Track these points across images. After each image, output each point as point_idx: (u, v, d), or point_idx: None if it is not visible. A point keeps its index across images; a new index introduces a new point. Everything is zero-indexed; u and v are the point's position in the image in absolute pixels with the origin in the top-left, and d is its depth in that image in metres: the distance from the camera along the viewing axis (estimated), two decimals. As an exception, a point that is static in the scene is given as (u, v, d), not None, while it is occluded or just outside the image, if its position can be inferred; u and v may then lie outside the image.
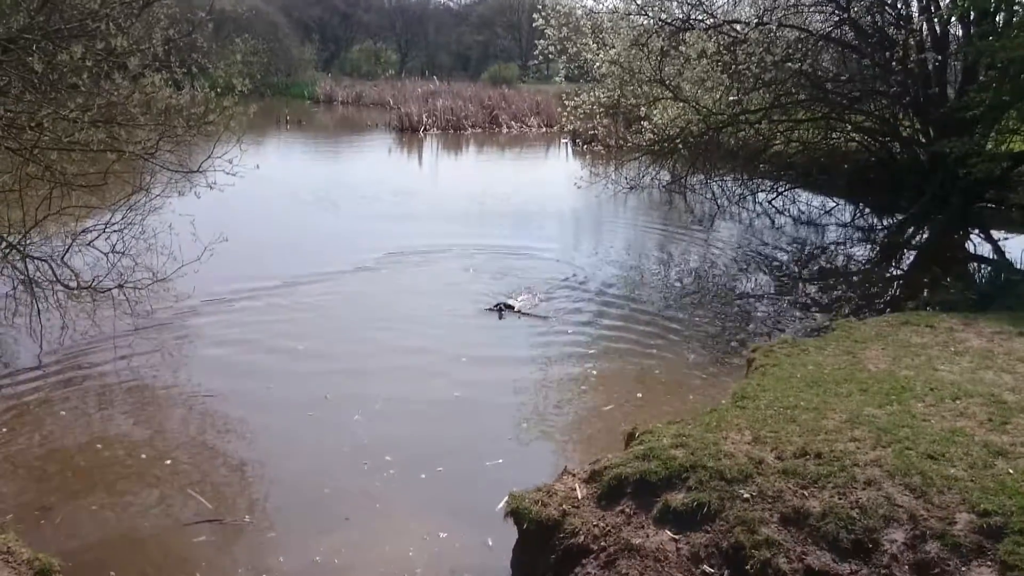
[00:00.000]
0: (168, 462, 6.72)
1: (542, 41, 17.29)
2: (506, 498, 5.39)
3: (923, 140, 16.22)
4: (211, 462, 6.84)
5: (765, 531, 4.63)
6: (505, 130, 35.80)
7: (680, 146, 16.50)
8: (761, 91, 15.74)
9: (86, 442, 6.99)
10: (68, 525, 5.81)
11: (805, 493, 4.86)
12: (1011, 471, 4.81)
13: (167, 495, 6.25)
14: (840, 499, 4.74)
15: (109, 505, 6.07)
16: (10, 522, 5.17)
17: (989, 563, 4.22)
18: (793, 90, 15.82)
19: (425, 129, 33.71)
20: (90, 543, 5.61)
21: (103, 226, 9.76)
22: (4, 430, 7.08)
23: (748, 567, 4.51)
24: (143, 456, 6.78)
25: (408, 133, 33.06)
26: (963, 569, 4.22)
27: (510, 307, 10.66)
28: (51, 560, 4.77)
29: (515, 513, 5.24)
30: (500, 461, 6.87)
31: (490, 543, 5.67)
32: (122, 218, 9.87)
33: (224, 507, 6.07)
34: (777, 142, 17.73)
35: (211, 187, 9.81)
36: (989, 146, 14.45)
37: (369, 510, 6.10)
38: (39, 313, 8.95)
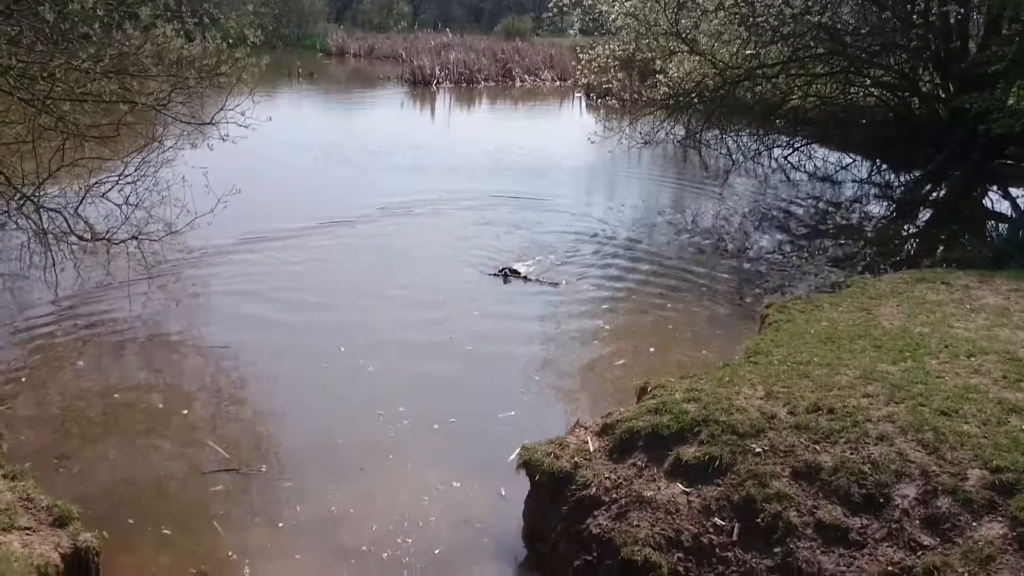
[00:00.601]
0: (185, 412, 6.79)
1: (557, -7, 17.05)
2: (518, 450, 5.44)
3: (943, 95, 15.99)
4: (227, 412, 6.91)
5: (776, 485, 4.66)
6: (518, 84, 35.46)
7: (695, 100, 16.30)
8: (779, 44, 15.50)
9: (103, 392, 7.07)
10: (86, 473, 5.89)
11: (817, 448, 4.87)
12: (1024, 428, 4.81)
13: (184, 444, 6.32)
14: (852, 454, 4.76)
15: (127, 454, 6.15)
16: (29, 470, 5.22)
17: (1000, 519, 4.23)
18: (811, 44, 15.57)
19: (438, 82, 33.41)
20: (108, 491, 5.70)
21: (116, 178, 9.76)
22: (23, 380, 7.16)
23: (759, 520, 4.55)
24: (160, 406, 6.85)
25: (420, 86, 32.78)
26: (974, 524, 4.25)
27: (516, 272, 10.26)
28: (70, 507, 4.83)
29: (527, 465, 5.29)
30: (512, 413, 6.91)
31: (503, 493, 5.73)
32: (135, 170, 9.87)
33: (240, 457, 6.14)
34: (794, 97, 17.49)
35: (224, 139, 9.78)
36: (1010, 101, 14.22)
37: (383, 460, 6.16)
38: (54, 264, 8.99)
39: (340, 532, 5.36)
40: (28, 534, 4.58)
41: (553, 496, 5.16)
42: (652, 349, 8.28)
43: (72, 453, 6.10)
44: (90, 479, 5.81)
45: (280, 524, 5.41)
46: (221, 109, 9.72)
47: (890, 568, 4.15)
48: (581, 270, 10.58)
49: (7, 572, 4.05)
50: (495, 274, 10.28)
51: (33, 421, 6.53)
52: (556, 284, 10.02)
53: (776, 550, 4.41)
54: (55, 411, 6.72)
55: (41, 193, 8.99)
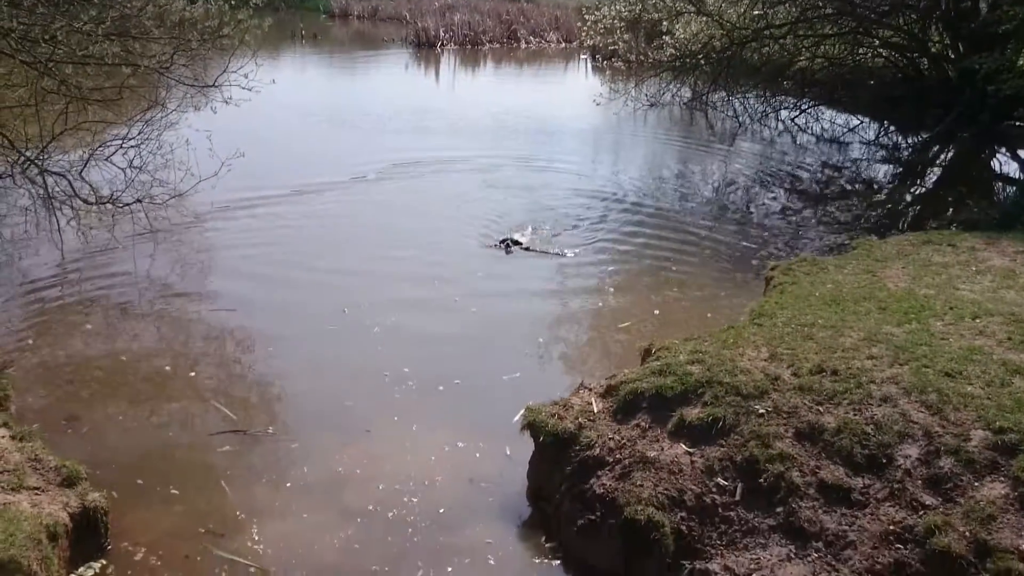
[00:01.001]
0: (192, 374, 6.83)
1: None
2: (523, 411, 5.47)
3: (952, 56, 15.81)
4: (233, 375, 6.95)
5: (779, 445, 4.69)
6: (523, 45, 35.07)
7: (702, 62, 16.14)
8: (787, 5, 15.30)
9: (110, 354, 7.10)
10: (95, 434, 5.94)
11: (820, 409, 4.89)
12: (1028, 389, 4.81)
13: (191, 406, 6.37)
14: (855, 415, 4.78)
15: (135, 415, 6.20)
16: (37, 431, 5.27)
17: (1003, 479, 4.26)
18: (820, 4, 15.37)
19: (442, 44, 33.09)
20: (117, 452, 5.75)
21: (120, 141, 9.74)
22: (30, 342, 7.19)
23: (762, 480, 4.58)
24: (167, 368, 6.89)
25: (424, 48, 32.44)
26: (976, 484, 4.27)
27: (518, 243, 9.85)
28: (78, 467, 4.89)
29: (532, 426, 5.32)
30: (517, 375, 6.94)
31: (508, 452, 5.76)
32: (139, 133, 9.85)
33: (247, 419, 6.18)
34: (802, 58, 17.29)
35: (227, 102, 9.75)
36: (1020, 62, 14.05)
37: (389, 421, 6.19)
38: (59, 228, 9.00)
39: (346, 492, 5.40)
40: (37, 494, 4.63)
41: (557, 456, 5.20)
42: (657, 311, 8.29)
43: (80, 414, 6.14)
44: (98, 440, 5.86)
45: (287, 484, 5.46)
46: (224, 71, 9.69)
47: (892, 527, 4.18)
48: (585, 235, 10.55)
49: (16, 532, 4.10)
50: (496, 245, 9.91)
51: (40, 383, 6.58)
52: (560, 255, 9.71)
53: (779, 510, 4.45)
54: (62, 373, 6.76)
55: (45, 156, 8.98)
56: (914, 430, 4.60)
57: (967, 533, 4.02)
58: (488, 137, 16.41)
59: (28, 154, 8.87)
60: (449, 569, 4.74)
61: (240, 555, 4.77)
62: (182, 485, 5.38)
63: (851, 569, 4.09)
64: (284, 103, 17.41)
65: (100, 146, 9.65)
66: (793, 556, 4.26)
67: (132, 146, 9.75)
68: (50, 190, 9.05)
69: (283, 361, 7.11)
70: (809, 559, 4.22)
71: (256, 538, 4.92)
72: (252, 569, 4.68)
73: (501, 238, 10.03)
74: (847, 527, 4.28)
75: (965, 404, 4.71)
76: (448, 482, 5.52)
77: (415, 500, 5.31)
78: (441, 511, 5.22)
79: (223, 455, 5.76)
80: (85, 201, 9.30)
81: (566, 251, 9.85)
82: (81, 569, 4.56)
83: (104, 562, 4.66)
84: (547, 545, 4.97)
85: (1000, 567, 3.84)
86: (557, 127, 17.94)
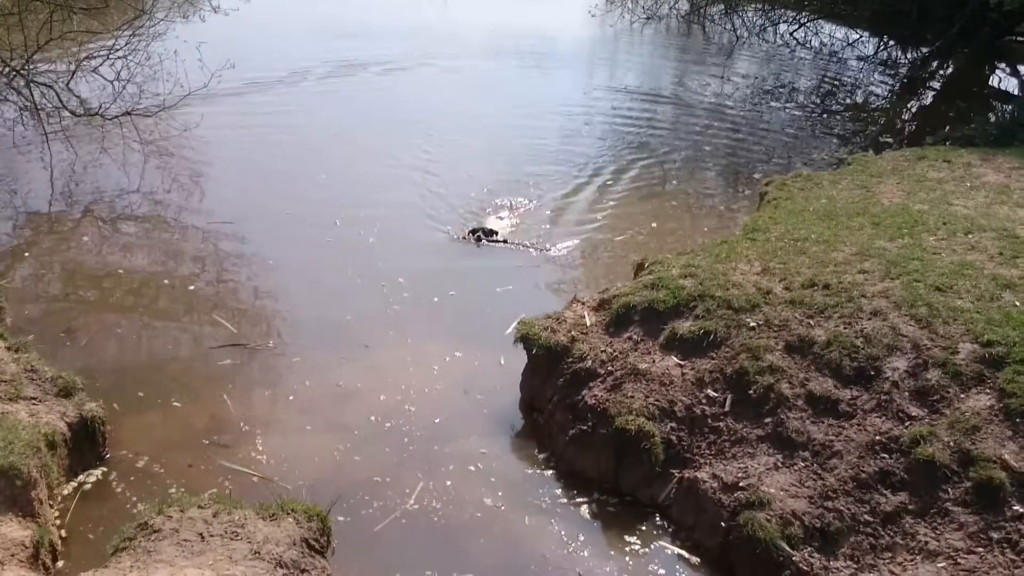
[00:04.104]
0: (191, 287, 6.82)
1: None
2: (515, 324, 5.51)
3: (955, -33, 15.46)
4: (232, 289, 6.94)
5: (769, 358, 4.76)
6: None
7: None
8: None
9: (107, 267, 7.08)
10: (93, 347, 5.95)
11: (811, 323, 4.95)
12: (1017, 303, 4.87)
13: (191, 320, 6.38)
14: (845, 329, 4.84)
15: (134, 329, 6.21)
16: (32, 342, 5.29)
17: (988, 391, 4.34)
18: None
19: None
20: (116, 364, 5.78)
21: (106, 52, 9.56)
22: (26, 255, 7.16)
23: (751, 392, 4.66)
24: (165, 282, 6.87)
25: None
26: (962, 396, 4.35)
27: (492, 232, 7.98)
28: (74, 378, 4.93)
29: (525, 339, 5.38)
30: (510, 287, 6.97)
31: (502, 362, 5.83)
32: (126, 44, 9.67)
33: (247, 333, 6.20)
34: (803, -31, 16.95)
35: (216, 10, 9.56)
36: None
37: (387, 334, 6.23)
38: (47, 139, 8.88)
39: (347, 405, 5.46)
40: (34, 404, 4.69)
41: (550, 368, 5.26)
42: (654, 224, 8.29)
43: (78, 327, 6.15)
44: (98, 353, 5.89)
45: (290, 398, 5.51)
46: (212, -23, 9.47)
47: (878, 437, 4.27)
48: (581, 152, 10.37)
49: (15, 440, 4.15)
50: (466, 237, 7.98)
51: (36, 296, 6.57)
52: (542, 249, 7.80)
53: (767, 420, 4.54)
54: (58, 285, 6.75)
55: (31, 67, 8.82)
56: (903, 343, 4.66)
57: (951, 443, 4.12)
58: (487, 48, 16.05)
59: (13, 64, 8.71)
60: (448, 483, 4.82)
61: (244, 465, 4.84)
62: (183, 397, 5.43)
63: (836, 477, 4.18)
64: (273, 16, 16.99)
65: (87, 57, 9.49)
66: (780, 465, 4.36)
67: (119, 57, 9.59)
68: (37, 101, 8.92)
69: (281, 274, 7.11)
70: (796, 468, 4.32)
71: (260, 449, 4.99)
72: (255, 479, 4.76)
73: (471, 228, 8.10)
74: (834, 437, 4.37)
75: (954, 318, 4.76)
76: (444, 393, 5.58)
77: (412, 410, 5.38)
78: (437, 422, 5.30)
79: (224, 368, 5.80)
80: (73, 113, 9.18)
81: (548, 244, 7.90)
82: (82, 476, 4.64)
83: (105, 470, 4.73)
84: (540, 456, 5.07)
85: (982, 475, 3.94)
86: (553, 36, 17.54)
